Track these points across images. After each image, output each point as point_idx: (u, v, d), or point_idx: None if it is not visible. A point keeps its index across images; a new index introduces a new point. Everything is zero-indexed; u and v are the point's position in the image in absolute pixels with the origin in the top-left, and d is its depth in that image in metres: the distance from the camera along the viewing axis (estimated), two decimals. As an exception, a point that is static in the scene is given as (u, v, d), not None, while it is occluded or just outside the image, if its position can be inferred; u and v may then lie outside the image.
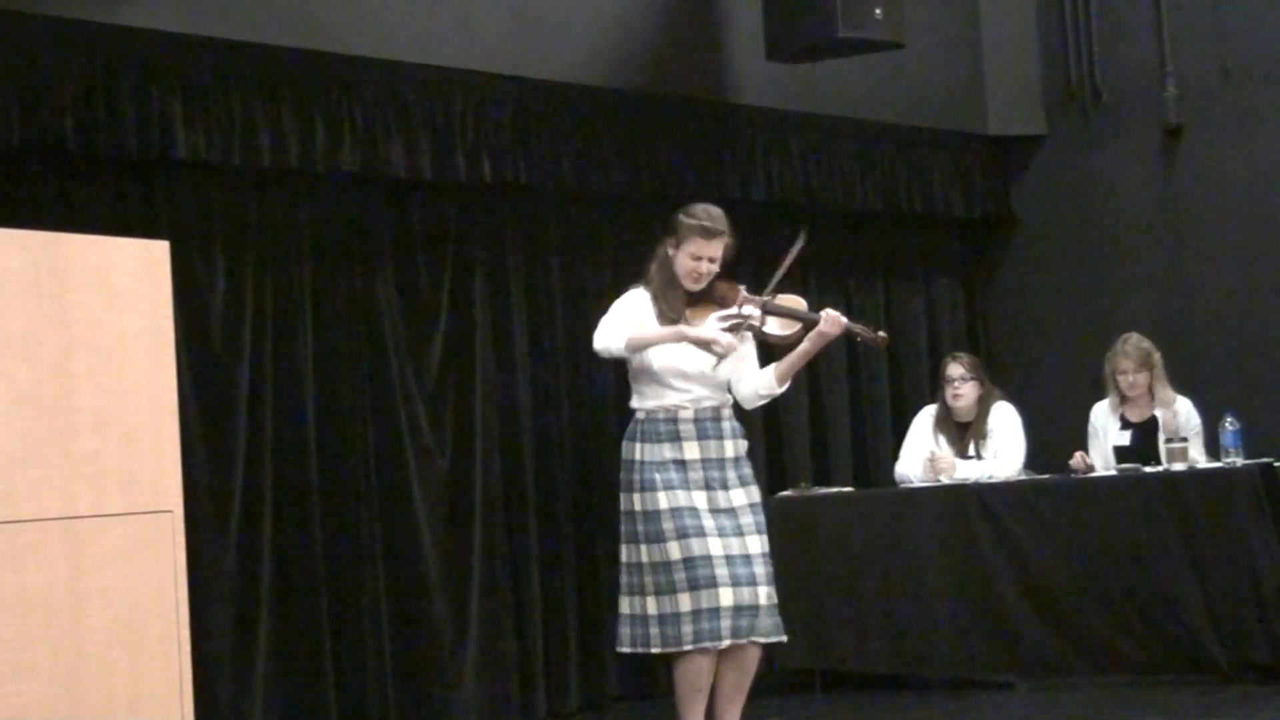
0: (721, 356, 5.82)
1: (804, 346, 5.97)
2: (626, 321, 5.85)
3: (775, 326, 5.97)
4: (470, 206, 7.61)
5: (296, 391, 6.96)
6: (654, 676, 7.84)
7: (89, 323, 4.10)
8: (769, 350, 6.22)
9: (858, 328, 6.05)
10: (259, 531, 6.78)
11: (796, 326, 5.97)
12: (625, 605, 5.92)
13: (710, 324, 5.86)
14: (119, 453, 4.11)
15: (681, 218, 5.90)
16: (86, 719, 3.98)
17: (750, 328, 5.92)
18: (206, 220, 6.79)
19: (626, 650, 5.95)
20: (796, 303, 6.08)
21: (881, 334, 6.13)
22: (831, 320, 5.93)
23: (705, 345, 5.81)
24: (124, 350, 4.15)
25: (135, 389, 4.16)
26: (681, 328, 5.83)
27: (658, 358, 5.87)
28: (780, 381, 6.03)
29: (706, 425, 5.89)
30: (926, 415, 8.05)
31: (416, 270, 7.42)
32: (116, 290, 4.16)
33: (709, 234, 5.87)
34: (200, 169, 6.68)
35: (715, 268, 5.91)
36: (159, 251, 4.31)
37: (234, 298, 6.82)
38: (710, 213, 5.92)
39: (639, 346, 5.82)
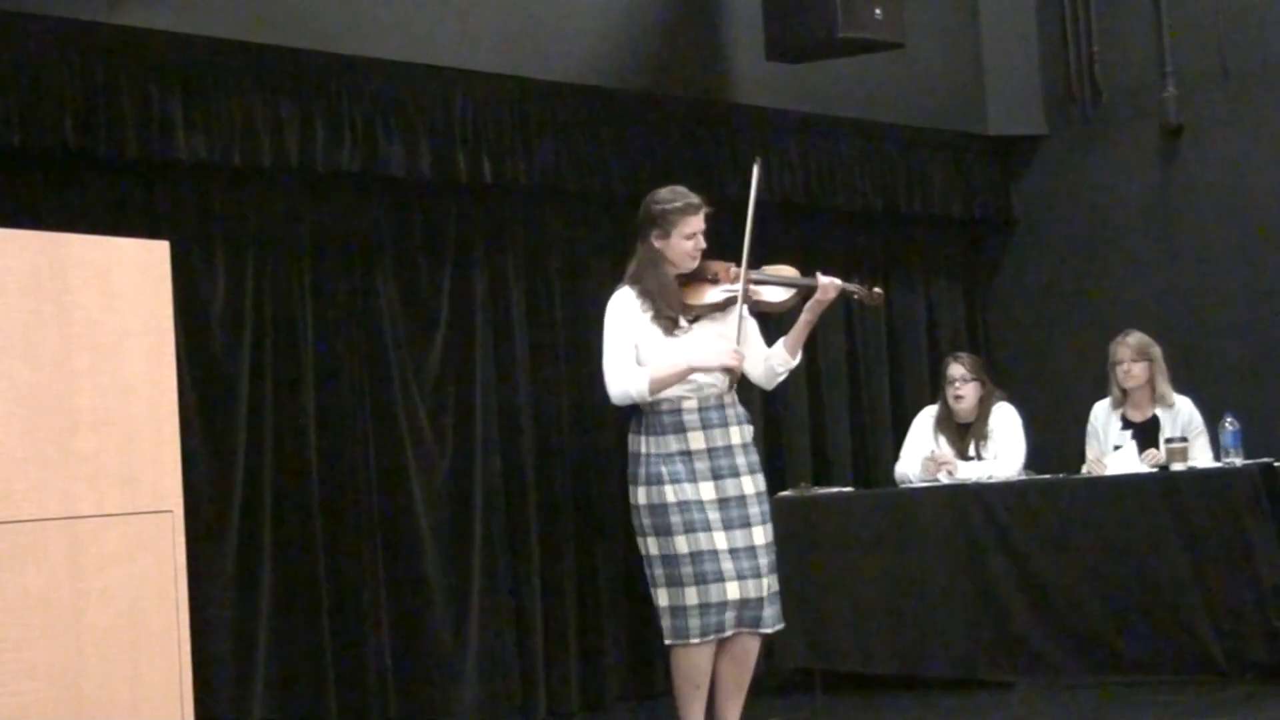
0: (732, 377, 5.86)
1: (805, 316, 6.00)
2: (628, 353, 5.83)
3: (771, 294, 6.00)
4: (470, 206, 7.61)
5: (296, 391, 6.96)
6: (654, 676, 7.85)
7: (89, 323, 4.09)
8: (764, 320, 6.23)
9: (853, 286, 6.10)
10: (259, 531, 6.78)
11: (792, 292, 6.01)
12: (655, 598, 5.89)
13: (712, 347, 5.87)
14: (119, 453, 4.11)
15: (661, 207, 5.87)
16: (86, 719, 3.98)
17: (748, 299, 5.93)
18: (206, 220, 6.79)
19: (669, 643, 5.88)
20: (789, 271, 6.13)
21: (877, 290, 6.17)
22: (827, 286, 5.96)
23: (715, 369, 5.84)
24: (124, 350, 4.15)
25: (135, 389, 4.16)
26: (691, 362, 5.82)
27: (660, 357, 5.87)
28: (793, 354, 6.04)
29: (711, 414, 5.87)
30: (927, 416, 8.05)
31: (416, 270, 7.42)
32: (116, 290, 4.15)
33: (697, 208, 5.89)
34: (200, 169, 6.68)
35: (703, 241, 5.93)
36: (159, 251, 4.31)
37: (234, 298, 6.82)
38: (681, 191, 5.94)
39: (661, 387, 5.82)
